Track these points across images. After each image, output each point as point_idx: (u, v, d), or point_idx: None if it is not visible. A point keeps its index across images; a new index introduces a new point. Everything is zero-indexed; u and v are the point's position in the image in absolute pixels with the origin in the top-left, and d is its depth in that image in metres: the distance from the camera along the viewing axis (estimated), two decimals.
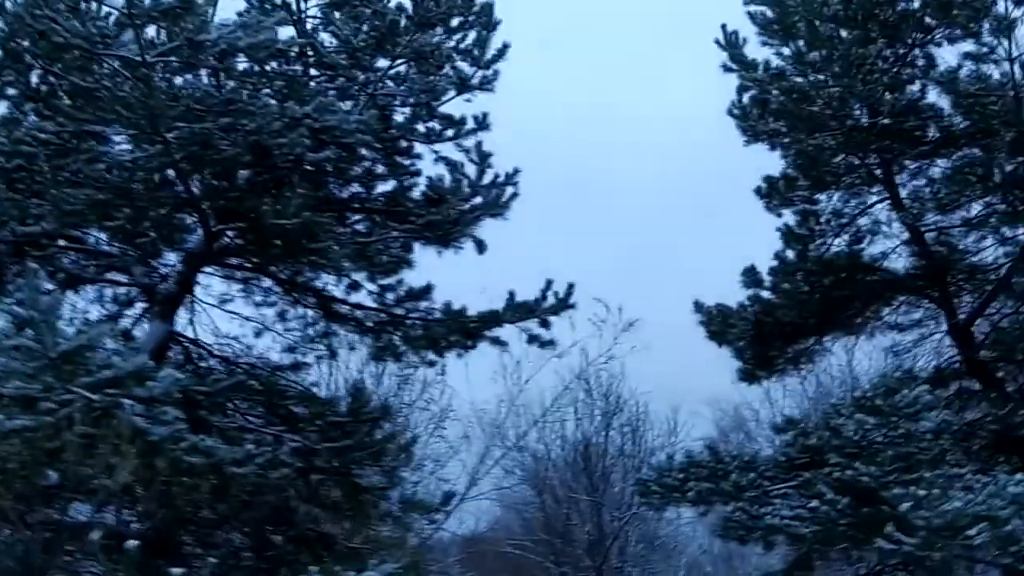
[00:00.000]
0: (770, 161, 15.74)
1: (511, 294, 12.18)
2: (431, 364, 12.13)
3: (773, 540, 13.24)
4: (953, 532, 10.91)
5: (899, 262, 15.43)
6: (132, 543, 7.35)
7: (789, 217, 15.99)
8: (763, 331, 15.88)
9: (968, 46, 13.83)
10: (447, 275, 12.85)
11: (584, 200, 30.23)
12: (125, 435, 7.68)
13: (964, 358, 14.96)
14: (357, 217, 11.39)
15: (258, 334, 12.17)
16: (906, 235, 15.13)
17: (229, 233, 10.64)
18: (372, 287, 11.49)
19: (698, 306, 16.24)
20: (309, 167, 10.41)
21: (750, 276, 15.48)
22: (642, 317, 18.98)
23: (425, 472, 17.64)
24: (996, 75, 13.70)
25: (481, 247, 11.50)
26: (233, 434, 9.32)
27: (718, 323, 16.17)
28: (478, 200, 11.43)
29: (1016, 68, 13.43)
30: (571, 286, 12.42)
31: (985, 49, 13.65)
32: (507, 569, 27.01)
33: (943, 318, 15.27)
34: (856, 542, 11.78)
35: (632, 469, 23.34)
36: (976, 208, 14.66)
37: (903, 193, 15.03)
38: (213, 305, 11.97)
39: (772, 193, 15.98)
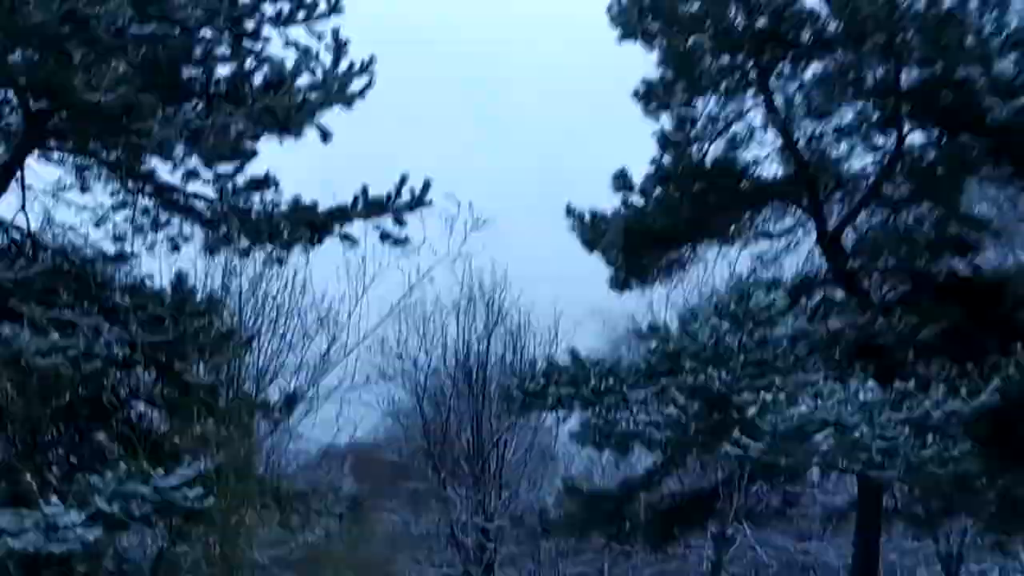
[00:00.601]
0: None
1: (364, 189, 11.68)
2: (279, 261, 11.60)
3: (629, 445, 13.14)
4: (799, 437, 10.85)
5: (772, 169, 15.23)
6: None
7: (666, 122, 15.64)
8: (635, 238, 15.60)
9: None
10: (302, 168, 12.31)
11: (467, 100, 29.46)
12: None
13: (831, 266, 14.89)
14: (195, 102, 10.67)
15: (94, 224, 11.51)
16: (779, 141, 14.89)
17: (50, 113, 9.93)
18: (209, 175, 10.87)
19: (570, 211, 15.87)
20: (137, 43, 9.68)
21: (621, 180, 15.11)
22: (500, 217, 17.88)
23: (273, 372, 17.03)
24: None
25: (326, 137, 10.93)
26: (43, 324, 8.73)
27: (591, 229, 15.85)
28: (323, 87, 10.81)
29: None
30: (427, 183, 11.96)
31: None
32: (388, 478, 26.80)
33: (813, 226, 15.14)
34: (707, 448, 11.69)
35: (512, 378, 23.03)
36: (848, 115, 14.47)
37: (777, 99, 14.74)
38: (45, 192, 11.29)
39: (650, 97, 15.56)
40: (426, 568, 25.40)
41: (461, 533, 24.36)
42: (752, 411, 10.80)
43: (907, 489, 13.32)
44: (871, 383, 11.77)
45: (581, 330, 26.95)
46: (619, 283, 16.42)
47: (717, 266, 18.21)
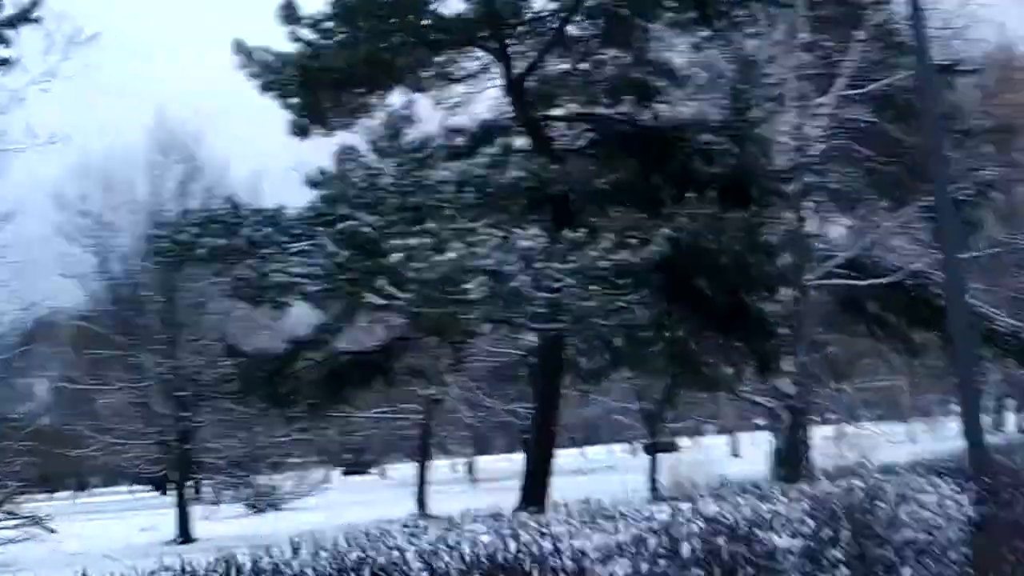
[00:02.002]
0: None
1: None
2: None
3: (284, 300, 12.07)
4: (449, 286, 10.06)
5: (457, 7, 14.16)
6: None
7: None
8: (312, 79, 14.27)
9: None
10: None
11: None
12: None
13: (516, 112, 14.10)
14: None
15: None
16: None
17: None
18: None
19: (240, 47, 14.32)
20: None
21: (288, 12, 13.66)
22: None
23: None
24: None
25: None
26: None
27: (264, 67, 14.40)
28: None
29: None
30: None
31: None
32: (75, 346, 24.98)
33: (500, 70, 14.24)
34: (355, 299, 10.74)
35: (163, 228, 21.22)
36: None
37: None
38: None
39: None
40: (117, 440, 23.92)
41: (155, 401, 22.95)
42: (396, 257, 9.89)
43: (576, 342, 12.88)
44: (534, 230, 11.09)
45: (289, 186, 25.52)
46: (298, 129, 15.10)
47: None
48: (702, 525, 5.54)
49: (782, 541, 5.70)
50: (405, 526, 5.46)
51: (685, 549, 5.18)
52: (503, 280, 10.52)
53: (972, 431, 10.03)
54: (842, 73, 17.01)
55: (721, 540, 5.42)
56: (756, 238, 13.26)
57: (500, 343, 17.89)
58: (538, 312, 11.25)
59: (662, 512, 5.81)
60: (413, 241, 10.01)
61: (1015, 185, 23.06)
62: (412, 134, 11.27)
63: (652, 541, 5.10)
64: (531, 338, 14.07)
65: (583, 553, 4.88)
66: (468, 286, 10.07)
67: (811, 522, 6.07)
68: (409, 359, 13.97)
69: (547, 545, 4.82)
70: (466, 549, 4.61)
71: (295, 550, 4.61)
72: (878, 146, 19.27)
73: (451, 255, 9.94)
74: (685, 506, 5.90)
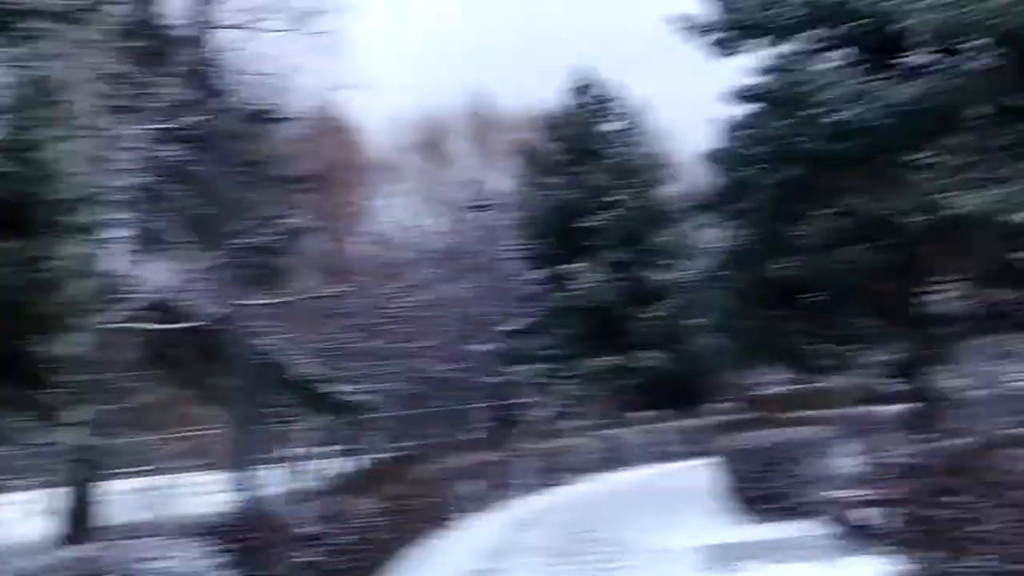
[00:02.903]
0: None
1: None
2: None
3: None
4: None
5: None
6: None
7: None
8: None
9: None
10: None
11: None
12: None
13: None
14: None
15: None
16: None
17: None
18: None
19: None
20: None
21: None
22: None
23: None
24: None
25: None
26: None
27: None
28: None
29: None
30: None
31: None
32: None
33: None
34: None
35: None
36: None
37: None
38: None
39: None
40: None
41: None
42: None
43: None
44: None
45: None
46: None
47: None
48: None
49: None
50: None
51: None
52: None
53: (242, 486, 9.68)
54: (152, 108, 16.26)
55: None
56: (34, 274, 12.00)
57: None
58: None
59: None
60: None
61: (324, 233, 23.94)
62: None
63: None
64: None
65: None
66: None
67: None
68: None
69: None
70: None
71: None
72: (193, 186, 18.83)
73: None
74: None
